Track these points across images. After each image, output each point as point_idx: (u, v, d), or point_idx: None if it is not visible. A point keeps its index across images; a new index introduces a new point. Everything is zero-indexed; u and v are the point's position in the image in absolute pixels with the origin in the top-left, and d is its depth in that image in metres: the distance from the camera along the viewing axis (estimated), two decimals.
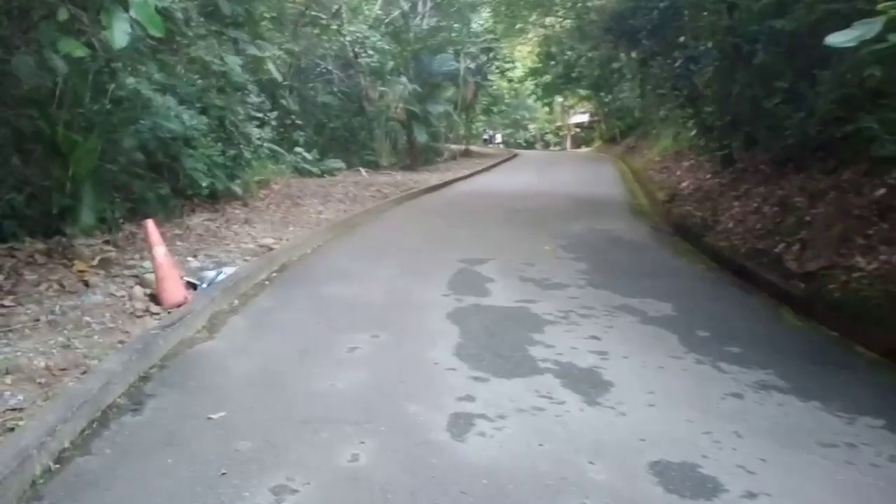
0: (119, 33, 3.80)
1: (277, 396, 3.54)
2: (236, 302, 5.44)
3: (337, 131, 19.82)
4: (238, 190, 10.59)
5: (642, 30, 12.17)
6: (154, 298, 5.11)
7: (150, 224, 5.33)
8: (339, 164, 17.25)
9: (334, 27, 17.82)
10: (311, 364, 4.05)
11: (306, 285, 6.17)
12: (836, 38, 3.48)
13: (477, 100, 30.30)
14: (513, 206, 12.16)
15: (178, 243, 7.37)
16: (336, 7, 18.03)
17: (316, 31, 17.95)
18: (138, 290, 5.19)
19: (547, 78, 32.77)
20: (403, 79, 20.00)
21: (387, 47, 19.57)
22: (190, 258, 6.67)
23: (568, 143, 44.54)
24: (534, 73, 33.62)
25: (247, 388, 3.66)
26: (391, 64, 20.28)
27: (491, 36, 26.74)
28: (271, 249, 7.35)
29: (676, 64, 10.99)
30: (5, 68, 5.98)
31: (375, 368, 4.01)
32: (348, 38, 18.15)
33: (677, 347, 4.59)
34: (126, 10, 3.74)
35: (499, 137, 45.76)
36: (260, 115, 12.11)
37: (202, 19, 7.85)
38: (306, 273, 6.77)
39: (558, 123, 47.46)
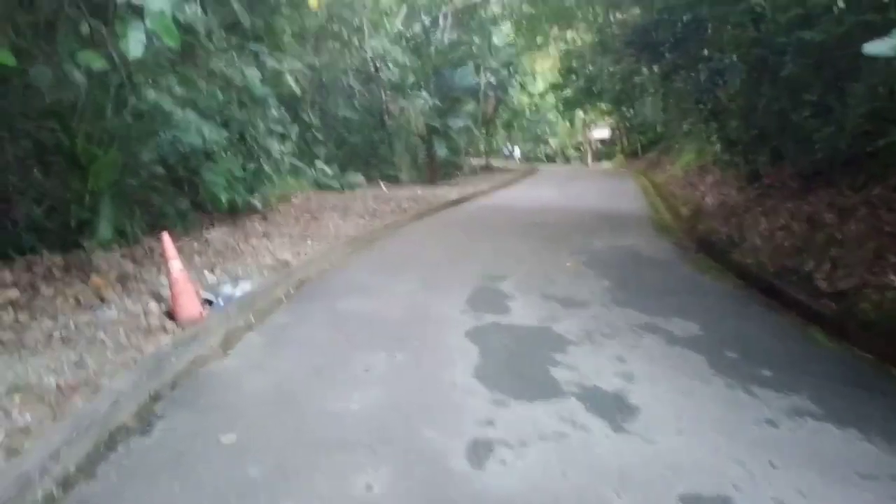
0: (134, 43, 3.76)
1: (290, 418, 3.43)
2: (252, 318, 5.35)
3: (357, 146, 19.86)
4: (258, 204, 10.58)
5: (665, 43, 12.00)
6: (169, 314, 5.04)
7: (165, 238, 5.27)
8: (359, 178, 17.25)
9: (356, 42, 17.88)
10: (326, 383, 3.94)
11: (323, 301, 6.07)
12: (874, 48, 3.33)
13: (497, 114, 30.31)
14: (533, 221, 12.02)
15: (196, 258, 7.33)
16: (357, 22, 18.10)
17: (337, 45, 18.01)
18: (153, 306, 5.12)
19: (568, 92, 32.65)
20: (424, 93, 20.00)
21: (407, 62, 19.60)
22: (207, 273, 6.61)
23: (589, 158, 44.31)
24: (555, 87, 33.51)
25: (259, 408, 3.55)
26: (412, 78, 20.30)
27: (512, 50, 26.70)
28: (289, 264, 7.27)
29: (701, 77, 10.79)
30: (26, 80, 6.01)
31: (392, 389, 3.89)
32: (369, 53, 18.19)
33: (705, 370, 4.41)
34: (141, 19, 3.69)
35: (518, 152, 45.68)
36: (281, 129, 12.11)
37: (223, 33, 7.86)
38: (324, 288, 6.68)
39: (579, 138, 47.29)
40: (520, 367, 4.31)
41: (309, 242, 8.82)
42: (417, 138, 21.22)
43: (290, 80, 7.91)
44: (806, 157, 8.30)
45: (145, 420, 3.33)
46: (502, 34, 26.71)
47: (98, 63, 5.10)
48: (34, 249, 6.48)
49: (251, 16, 7.73)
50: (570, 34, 26.16)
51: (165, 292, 5.27)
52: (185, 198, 8.95)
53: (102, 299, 5.37)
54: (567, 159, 48.38)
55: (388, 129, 20.04)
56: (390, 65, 18.80)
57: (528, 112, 39.17)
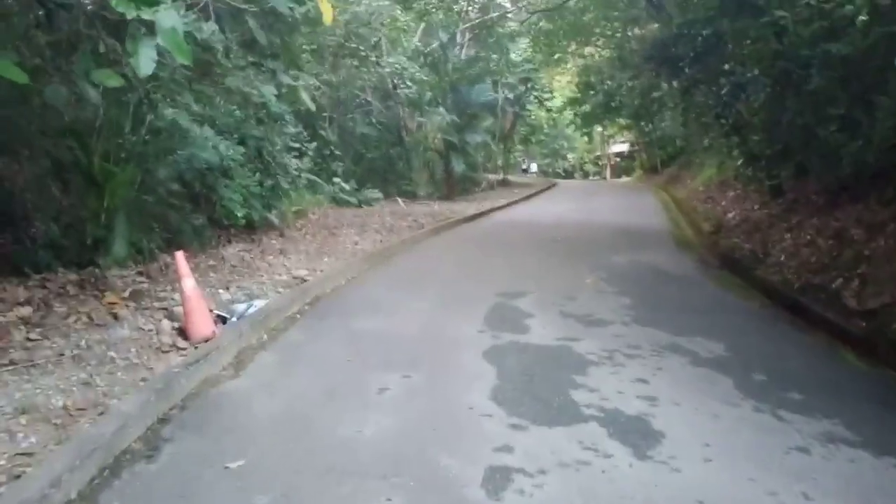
0: (145, 60, 3.70)
1: (301, 442, 3.31)
2: (265, 336, 5.26)
3: (375, 161, 19.89)
4: (275, 220, 10.55)
5: (685, 58, 11.87)
6: (182, 332, 4.97)
7: (179, 256, 5.21)
8: (376, 194, 17.24)
9: (373, 59, 17.94)
10: (339, 406, 3.82)
11: (338, 318, 5.97)
12: None
13: (515, 130, 30.26)
14: (552, 237, 11.88)
15: (212, 275, 7.28)
16: (375, 39, 18.18)
17: (355, 62, 18.09)
18: (166, 324, 5.05)
19: (586, 107, 32.62)
20: (441, 109, 20.01)
21: (425, 78, 19.63)
22: (221, 290, 6.55)
23: (608, 173, 44.16)
24: (573, 102, 33.49)
25: (269, 433, 3.44)
26: (429, 95, 20.32)
27: (529, 66, 26.69)
28: (305, 281, 7.20)
29: (723, 91, 10.63)
30: (44, 99, 6.03)
31: (406, 413, 3.76)
32: (387, 70, 18.25)
33: (733, 393, 4.24)
34: (153, 37, 3.65)
35: (534, 167, 45.61)
36: (298, 145, 12.13)
37: (240, 50, 7.86)
38: (339, 305, 6.58)
39: (598, 153, 47.15)
40: (538, 389, 4.17)
41: (325, 259, 8.76)
42: (435, 154, 21.20)
43: (305, 96, 7.85)
44: (832, 171, 8.11)
45: (152, 444, 3.23)
46: (520, 50, 26.71)
47: (114, 81, 5.07)
48: (50, 266, 6.45)
49: (268, 34, 7.72)
50: (587, 49, 26.12)
51: (179, 310, 5.20)
52: (201, 214, 8.93)
53: (115, 317, 5.31)
54: (585, 174, 48.26)
55: (406, 145, 20.05)
56: (408, 81, 18.83)
57: (545, 127, 39.09)
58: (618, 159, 43.62)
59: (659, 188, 24.04)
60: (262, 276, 7.39)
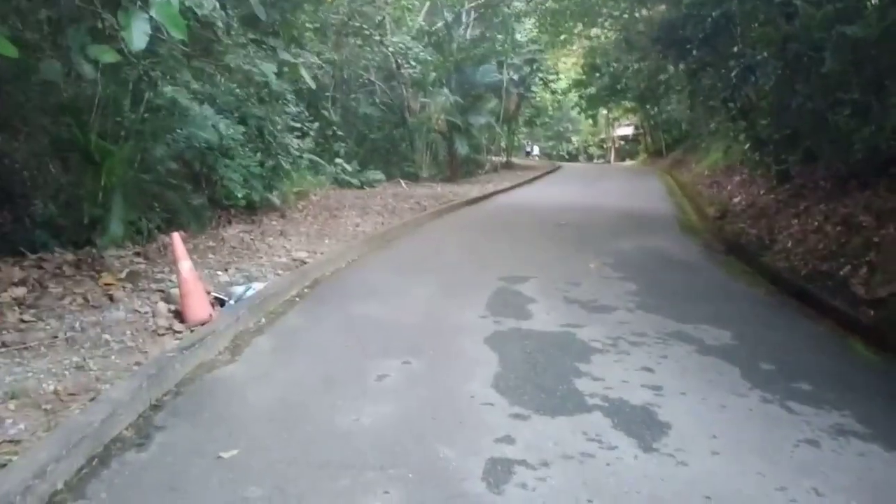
0: (137, 34, 3.57)
1: (296, 432, 3.22)
2: (263, 320, 5.16)
3: (378, 143, 19.73)
4: (276, 201, 10.45)
5: (693, 40, 11.66)
6: (178, 315, 4.88)
7: (175, 237, 5.10)
8: (378, 175, 17.11)
9: (377, 38, 17.71)
10: (336, 394, 3.72)
11: (338, 303, 5.87)
12: None
13: (520, 111, 29.98)
14: (556, 221, 11.74)
15: (210, 256, 7.19)
16: (379, 18, 17.93)
17: (358, 41, 17.85)
18: (162, 307, 4.96)
19: (591, 90, 32.30)
20: (445, 90, 19.79)
21: (429, 58, 19.38)
22: (220, 272, 6.45)
23: (612, 156, 43.87)
24: (578, 84, 33.15)
25: (264, 422, 3.34)
26: (433, 75, 20.08)
27: (535, 47, 26.37)
28: (304, 263, 7.10)
29: (732, 74, 10.44)
30: (41, 76, 5.90)
31: (405, 401, 3.66)
32: (391, 49, 18.01)
33: (740, 383, 4.14)
34: (146, 10, 3.51)
35: (536, 149, 45.24)
36: (299, 125, 11.97)
37: (241, 27, 7.70)
38: (339, 289, 6.49)
39: (602, 136, 46.82)
40: (541, 377, 4.08)
41: (326, 241, 8.65)
42: (438, 135, 21.00)
43: (305, 74, 7.68)
44: (842, 157, 7.96)
45: (143, 432, 3.14)
46: (525, 31, 26.38)
47: (109, 56, 4.94)
48: (46, 246, 6.37)
49: (271, 11, 7.56)
50: (594, 31, 25.77)
51: (176, 292, 5.10)
52: (201, 194, 8.82)
53: (111, 299, 5.23)
54: (589, 157, 47.96)
55: (409, 126, 19.86)
56: (412, 61, 18.59)
57: (550, 109, 38.75)
58: (622, 143, 43.31)
59: (664, 172, 23.84)
60: (261, 257, 7.29)
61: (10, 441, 2.86)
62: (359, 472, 2.83)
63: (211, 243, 7.78)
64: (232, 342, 4.56)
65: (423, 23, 21.23)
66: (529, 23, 25.65)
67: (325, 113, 16.33)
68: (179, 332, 4.58)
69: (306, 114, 12.97)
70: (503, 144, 30.44)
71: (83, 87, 6.71)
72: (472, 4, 22.58)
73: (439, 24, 21.72)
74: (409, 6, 19.67)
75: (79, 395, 3.40)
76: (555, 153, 46.11)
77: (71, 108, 6.86)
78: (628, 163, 37.21)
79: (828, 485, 2.91)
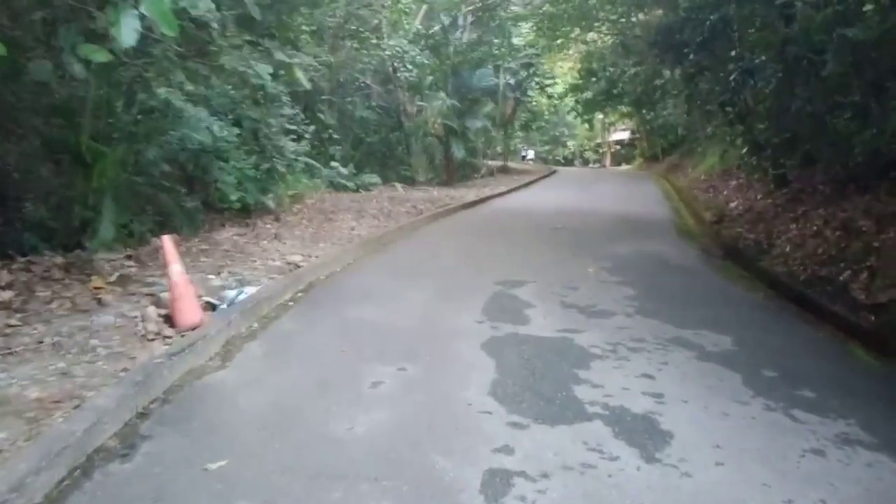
0: (127, 30, 3.47)
1: (288, 441, 3.11)
2: (255, 325, 5.06)
3: (374, 146, 19.65)
4: (270, 204, 10.35)
5: (691, 44, 11.61)
6: (169, 320, 4.77)
7: (166, 240, 4.99)
8: (374, 178, 17.04)
9: (374, 41, 17.63)
10: (330, 401, 3.62)
11: (332, 307, 5.77)
12: None
13: (516, 116, 29.95)
14: (552, 225, 11.66)
15: (203, 259, 7.08)
16: (376, 21, 17.86)
17: (355, 44, 17.78)
18: (152, 311, 4.84)
19: (588, 94, 32.28)
20: (442, 94, 19.73)
21: (426, 62, 19.32)
22: (212, 275, 6.34)
23: (608, 161, 43.89)
24: (574, 89, 33.14)
25: (255, 430, 3.24)
26: (430, 79, 20.02)
27: (532, 51, 26.34)
28: (299, 267, 7.00)
29: (731, 77, 10.39)
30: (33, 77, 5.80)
31: (400, 409, 3.56)
32: (387, 53, 17.94)
33: (742, 390, 4.05)
34: (136, 6, 3.41)
35: (531, 154, 45.22)
36: (295, 128, 11.88)
37: (236, 28, 7.60)
38: (333, 293, 6.38)
39: (598, 140, 46.85)
40: (540, 384, 3.98)
41: (321, 244, 8.55)
42: (435, 139, 20.94)
43: (300, 75, 7.59)
44: (842, 160, 7.90)
45: (129, 441, 3.03)
46: (522, 34, 26.36)
47: (100, 56, 4.84)
48: (36, 249, 6.26)
49: (267, 13, 7.46)
50: (590, 35, 25.75)
51: (166, 296, 4.99)
52: (195, 197, 8.71)
53: (100, 303, 5.12)
54: (585, 162, 47.99)
55: (406, 129, 19.79)
56: (408, 65, 18.53)
57: (546, 114, 38.75)
58: (618, 147, 43.33)
59: (660, 176, 23.81)
60: (255, 261, 7.19)
61: None
62: (352, 483, 2.73)
63: (204, 246, 7.67)
64: (223, 347, 4.46)
65: (419, 26, 21.18)
66: (526, 27, 25.62)
67: (321, 116, 16.24)
68: (169, 338, 4.47)
69: (302, 116, 12.88)
70: (499, 149, 30.41)
71: (76, 87, 6.62)
72: (470, 8, 22.54)
73: (436, 28, 21.66)
74: (406, 10, 19.61)
75: (63, 403, 3.30)
76: (550, 157, 46.11)
77: (63, 110, 6.77)
78: (624, 167, 37.21)
79: (836, 497, 2.84)
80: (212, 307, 5.26)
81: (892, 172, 7.29)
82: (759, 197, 11.43)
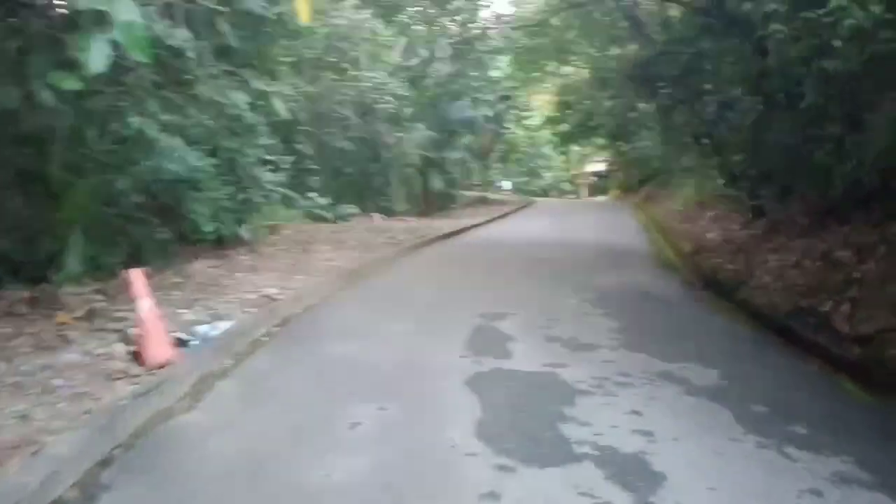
0: (97, 55, 3.34)
1: (258, 492, 2.91)
2: (228, 362, 4.84)
3: (352, 177, 19.57)
4: (246, 235, 10.15)
5: (666, 77, 11.75)
6: (137, 357, 4.55)
7: (134, 274, 4.79)
8: (352, 209, 16.93)
9: (353, 73, 17.67)
10: (305, 446, 3.43)
11: (308, 343, 5.58)
12: None
13: (494, 147, 30.15)
14: (532, 256, 11.59)
15: (175, 293, 6.85)
16: (355, 54, 17.92)
17: (334, 76, 17.80)
18: (119, 348, 4.63)
19: (565, 126, 32.64)
20: (420, 125, 19.79)
21: (405, 94, 19.40)
22: (184, 310, 6.11)
23: (585, 192, 44.27)
24: (551, 121, 33.50)
25: (223, 479, 3.03)
26: (408, 110, 20.08)
27: (509, 84, 26.64)
28: (274, 300, 6.80)
29: (708, 109, 10.49)
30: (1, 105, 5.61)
31: (380, 452, 3.37)
32: (367, 84, 17.98)
33: (733, 427, 3.93)
34: (108, 31, 3.28)
35: (508, 185, 45.41)
36: (273, 158, 11.73)
37: (213, 58, 7.50)
38: (310, 328, 6.20)
39: (574, 172, 47.31)
40: (526, 422, 3.83)
41: (298, 277, 8.35)
42: (413, 170, 20.95)
43: (278, 104, 7.49)
44: (821, 192, 7.94)
45: (88, 492, 2.81)
46: (500, 68, 26.66)
47: (71, 83, 4.70)
48: (1, 283, 6.01)
49: (247, 43, 7.38)
50: (567, 69, 26.13)
51: (134, 332, 4.78)
52: (168, 229, 8.49)
53: (65, 339, 4.89)
54: (561, 193, 48.36)
55: (384, 160, 19.77)
56: (387, 97, 18.57)
57: (524, 145, 39.11)
58: (594, 178, 43.75)
59: (636, 208, 23.98)
60: (229, 294, 6.98)
61: None
62: None
63: (177, 279, 7.45)
64: (193, 387, 4.24)
65: (398, 59, 21.31)
66: (504, 60, 25.93)
67: (300, 146, 16.14)
68: (137, 376, 4.24)
69: (280, 147, 12.74)
70: (477, 180, 30.53)
71: (47, 116, 6.44)
72: (449, 41, 22.75)
73: (415, 61, 21.81)
74: (385, 43, 19.73)
75: (20, 449, 3.07)
76: (528, 189, 46.39)
77: (33, 139, 6.57)
78: (600, 198, 37.50)
79: None
80: (183, 343, 5.04)
81: (872, 203, 7.33)
82: (736, 228, 11.48)
